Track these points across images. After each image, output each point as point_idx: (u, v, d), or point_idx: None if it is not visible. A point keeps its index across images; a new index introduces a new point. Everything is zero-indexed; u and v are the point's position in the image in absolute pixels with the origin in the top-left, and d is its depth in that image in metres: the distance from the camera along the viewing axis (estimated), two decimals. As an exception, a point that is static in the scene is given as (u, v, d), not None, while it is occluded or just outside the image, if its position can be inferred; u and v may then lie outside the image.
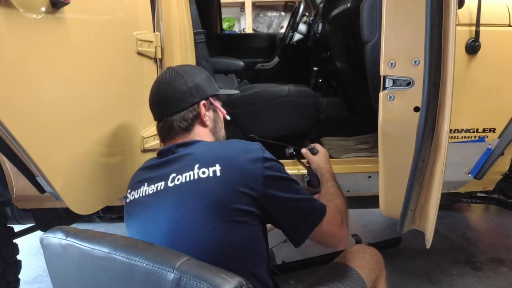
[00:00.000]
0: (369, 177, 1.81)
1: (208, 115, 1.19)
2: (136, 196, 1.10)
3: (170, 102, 1.14)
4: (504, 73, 1.60)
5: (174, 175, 1.03)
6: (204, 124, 1.18)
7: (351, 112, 2.31)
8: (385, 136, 1.43)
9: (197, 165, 1.01)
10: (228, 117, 1.27)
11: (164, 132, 1.17)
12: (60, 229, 0.93)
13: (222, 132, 1.26)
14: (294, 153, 1.84)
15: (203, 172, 0.99)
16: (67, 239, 0.89)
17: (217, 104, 1.23)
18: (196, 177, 0.99)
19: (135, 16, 1.46)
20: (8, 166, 1.59)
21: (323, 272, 1.15)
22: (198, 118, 1.17)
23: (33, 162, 1.08)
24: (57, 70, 1.14)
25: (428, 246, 1.46)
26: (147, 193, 1.07)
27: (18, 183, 1.60)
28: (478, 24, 1.49)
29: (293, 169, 1.81)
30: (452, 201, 2.49)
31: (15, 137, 1.01)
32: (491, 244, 2.37)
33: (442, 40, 1.22)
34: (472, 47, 1.52)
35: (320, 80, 2.86)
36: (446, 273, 2.06)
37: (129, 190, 1.14)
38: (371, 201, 1.92)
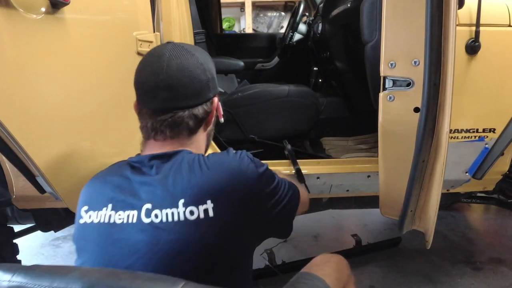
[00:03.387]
0: (368, 176, 1.81)
1: (214, 115, 1.02)
2: (96, 221, 0.87)
3: (188, 91, 0.92)
4: (504, 73, 1.60)
5: (149, 206, 0.83)
6: (205, 127, 1.00)
7: (351, 112, 2.31)
8: (385, 137, 1.43)
9: (182, 201, 0.81)
10: (222, 120, 1.10)
11: (162, 129, 0.92)
12: (3, 268, 0.68)
13: (211, 139, 1.09)
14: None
15: (191, 213, 0.80)
16: (12, 279, 0.65)
17: (219, 102, 1.05)
18: (182, 218, 0.80)
19: (135, 16, 1.46)
20: (8, 166, 1.59)
21: (290, 282, 1.06)
22: (206, 118, 0.98)
23: (33, 162, 1.08)
24: (57, 70, 1.14)
25: (428, 246, 1.47)
26: (111, 221, 0.84)
27: (18, 183, 1.60)
28: (478, 24, 1.49)
29: (289, 169, 1.80)
30: (452, 201, 2.49)
31: (15, 137, 1.01)
32: (491, 244, 2.37)
33: (442, 40, 1.22)
34: (472, 47, 1.52)
35: (320, 80, 2.86)
36: (446, 273, 2.06)
37: (85, 207, 0.90)
38: (371, 201, 1.92)
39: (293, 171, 1.77)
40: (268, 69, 3.08)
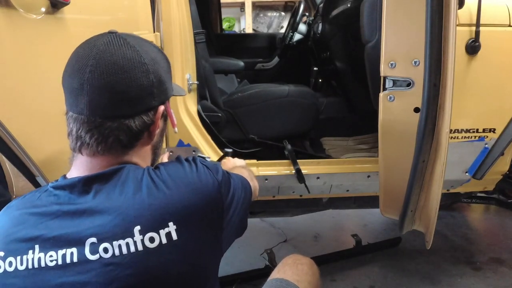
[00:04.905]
0: (368, 176, 1.81)
1: (159, 126, 0.83)
2: (21, 268, 0.68)
3: (121, 96, 0.73)
4: (504, 73, 1.60)
5: (94, 240, 0.67)
6: (150, 139, 0.82)
7: (351, 112, 2.31)
8: (385, 137, 1.43)
9: (137, 228, 0.68)
10: (177, 130, 0.94)
11: (87, 141, 0.75)
12: None
13: (160, 151, 0.92)
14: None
15: (151, 240, 0.68)
16: None
17: (171, 110, 0.88)
18: (140, 248, 0.67)
19: (135, 16, 1.46)
20: (8, 166, 1.59)
21: None
22: (147, 130, 0.80)
23: (33, 162, 1.08)
24: (58, 70, 1.14)
25: (428, 246, 1.47)
26: (42, 264, 0.67)
27: (18, 183, 1.60)
28: (478, 24, 1.49)
29: (289, 169, 1.80)
30: (452, 201, 2.49)
31: (15, 137, 1.01)
32: (491, 244, 2.37)
33: (442, 40, 1.22)
34: (472, 48, 1.52)
35: (320, 80, 2.86)
36: (446, 273, 2.06)
37: (0, 253, 0.70)
38: (371, 201, 1.93)
39: (293, 171, 1.77)
40: (268, 69, 3.08)
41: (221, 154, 1.75)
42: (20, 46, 1.02)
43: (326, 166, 1.82)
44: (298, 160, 1.81)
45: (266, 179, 1.78)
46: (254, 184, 1.07)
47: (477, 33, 1.50)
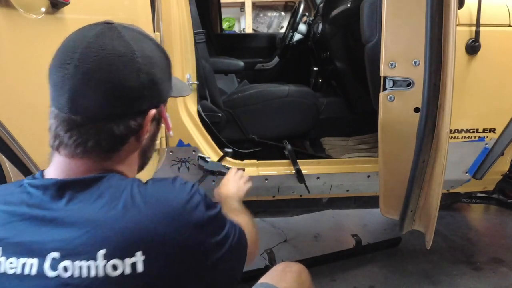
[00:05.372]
0: (368, 176, 1.81)
1: (150, 131, 0.74)
2: None
3: (105, 98, 0.66)
4: (504, 73, 1.60)
5: (56, 255, 0.61)
6: (138, 144, 0.73)
7: (351, 112, 2.31)
8: (385, 137, 1.43)
9: (102, 251, 0.61)
10: (172, 134, 0.89)
11: (65, 141, 0.68)
12: None
13: (151, 154, 0.83)
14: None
15: (114, 267, 0.61)
16: None
17: (166, 113, 0.79)
18: (100, 274, 0.60)
19: (135, 16, 1.46)
20: (8, 166, 1.59)
21: None
22: (134, 135, 0.71)
23: (33, 162, 1.09)
24: (57, 70, 1.14)
25: (428, 246, 1.47)
26: (1, 270, 0.62)
27: (18, 183, 1.60)
28: (478, 24, 1.49)
29: (289, 169, 1.80)
30: (452, 201, 2.49)
31: (15, 137, 1.01)
32: (491, 244, 2.37)
33: (442, 40, 1.22)
34: (472, 47, 1.52)
35: (320, 80, 2.86)
36: (446, 273, 2.06)
37: None
38: (371, 201, 1.93)
39: (293, 171, 1.77)
40: (268, 69, 3.08)
41: (221, 154, 1.75)
42: (20, 46, 1.02)
43: (326, 166, 1.82)
44: (298, 160, 1.81)
45: (266, 179, 1.78)
46: (252, 237, 0.86)
47: (477, 33, 1.50)
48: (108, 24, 0.69)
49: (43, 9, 1.06)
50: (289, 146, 1.87)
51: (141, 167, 0.80)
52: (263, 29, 5.27)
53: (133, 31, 0.71)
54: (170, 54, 1.55)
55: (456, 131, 1.62)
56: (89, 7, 1.23)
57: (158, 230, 0.63)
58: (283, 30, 4.02)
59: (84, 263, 0.61)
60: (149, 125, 0.72)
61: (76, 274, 0.60)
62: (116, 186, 0.67)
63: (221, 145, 1.79)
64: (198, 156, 1.70)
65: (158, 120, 0.77)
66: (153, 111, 0.71)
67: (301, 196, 1.89)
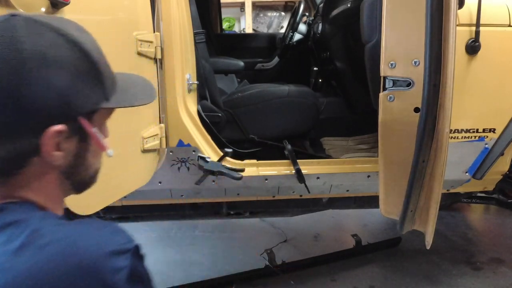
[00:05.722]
0: (368, 176, 1.81)
1: (65, 149, 0.58)
2: None
3: None
4: (504, 73, 1.60)
5: None
6: (46, 166, 0.58)
7: (351, 112, 2.32)
8: (385, 137, 1.43)
9: None
10: (110, 153, 0.69)
11: None
12: None
13: (88, 172, 0.66)
14: None
15: None
16: None
17: (92, 129, 0.62)
18: None
19: (135, 16, 1.46)
20: (8, 166, 1.59)
21: None
22: (35, 156, 0.56)
23: (33, 162, 1.08)
24: (57, 70, 1.14)
25: (428, 246, 1.47)
26: None
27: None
28: (478, 24, 1.49)
29: (289, 169, 1.80)
30: (452, 201, 2.49)
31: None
32: (491, 244, 2.37)
33: (442, 40, 1.22)
34: (472, 47, 1.52)
35: (320, 80, 2.86)
36: (446, 273, 2.06)
37: None
38: (371, 201, 1.93)
39: (293, 171, 1.77)
40: (268, 69, 3.08)
41: (221, 154, 1.75)
42: (20, 46, 1.02)
43: (326, 166, 1.82)
44: (298, 160, 1.81)
45: (266, 179, 1.78)
46: None
47: (477, 33, 1.50)
48: (14, 16, 0.54)
49: (43, 9, 1.06)
50: (289, 146, 1.87)
51: (77, 189, 0.67)
52: (263, 29, 5.27)
53: (35, 22, 0.55)
54: (170, 54, 1.58)
55: (456, 131, 1.62)
56: (89, 7, 1.23)
57: (53, 284, 0.47)
58: (283, 30, 4.02)
59: None
60: (53, 145, 0.55)
61: None
62: (15, 226, 0.52)
63: (221, 145, 1.79)
64: (198, 156, 1.70)
65: (82, 135, 0.60)
66: (55, 128, 0.55)
67: (301, 196, 1.89)
